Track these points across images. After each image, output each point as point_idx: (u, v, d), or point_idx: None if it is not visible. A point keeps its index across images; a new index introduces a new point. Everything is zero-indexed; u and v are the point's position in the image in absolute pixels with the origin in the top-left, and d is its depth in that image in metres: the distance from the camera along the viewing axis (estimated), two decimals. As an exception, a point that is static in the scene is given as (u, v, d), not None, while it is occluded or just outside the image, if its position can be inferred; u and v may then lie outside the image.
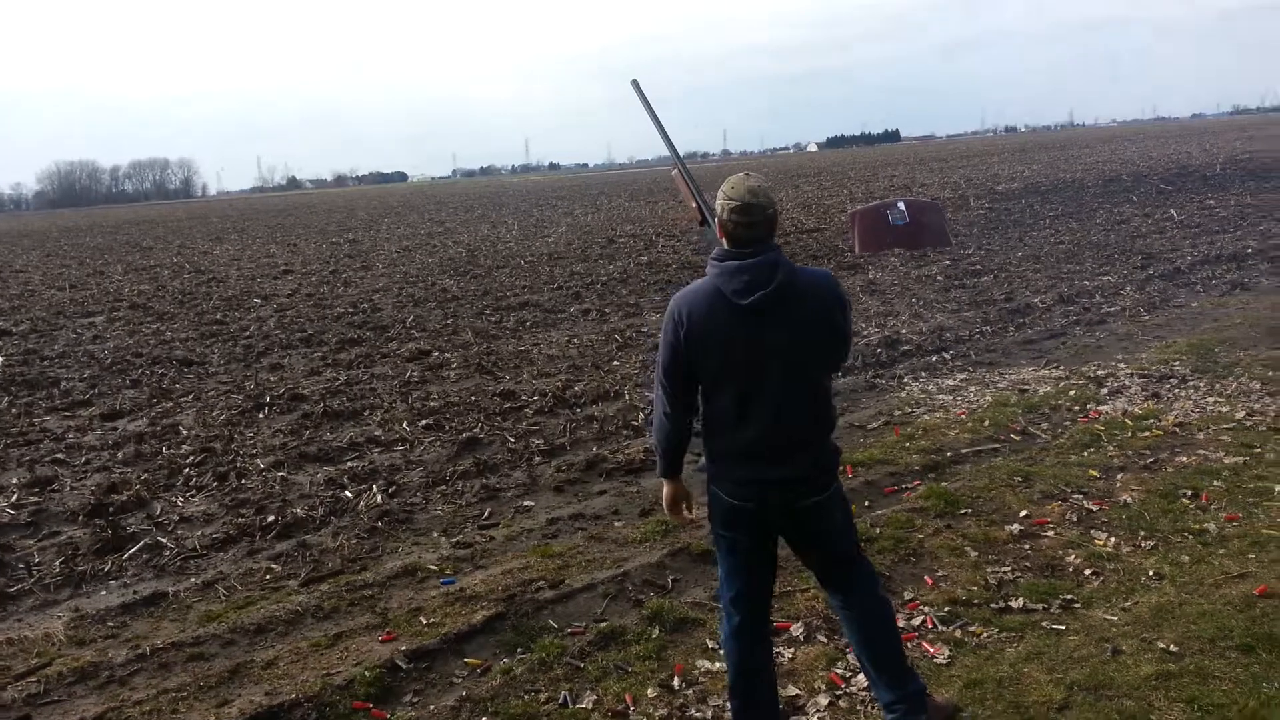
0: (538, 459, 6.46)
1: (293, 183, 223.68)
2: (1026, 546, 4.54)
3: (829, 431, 2.96)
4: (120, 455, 7.08)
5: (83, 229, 52.51)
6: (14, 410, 8.79)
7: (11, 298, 18.46)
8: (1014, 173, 35.65)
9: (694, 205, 3.25)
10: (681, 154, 3.48)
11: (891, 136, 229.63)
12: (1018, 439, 6.06)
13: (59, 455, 7.20)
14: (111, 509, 5.87)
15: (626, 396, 7.84)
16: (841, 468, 5.60)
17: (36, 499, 6.20)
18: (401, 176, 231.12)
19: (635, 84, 3.52)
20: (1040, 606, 3.94)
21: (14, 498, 6.23)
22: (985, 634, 3.77)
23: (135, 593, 4.75)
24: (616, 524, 5.27)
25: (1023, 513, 4.89)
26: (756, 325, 2.78)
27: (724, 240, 2.86)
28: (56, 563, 5.14)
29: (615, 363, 9.21)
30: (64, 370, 10.59)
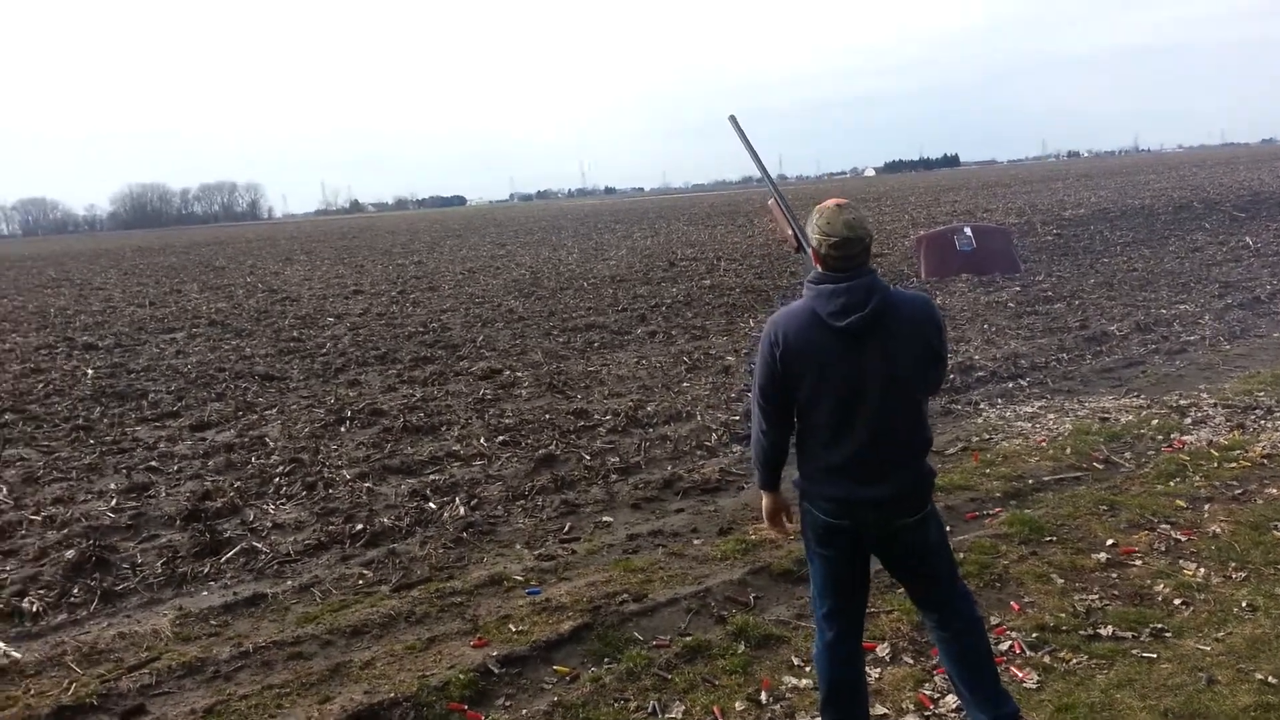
0: (614, 476, 6.56)
1: (355, 206, 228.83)
2: (1114, 575, 4.50)
3: (924, 453, 3.01)
4: (211, 464, 7.35)
5: (156, 249, 54.30)
6: (106, 420, 9.16)
7: (95, 314, 19.19)
8: (1080, 198, 35.10)
9: (790, 233, 3.32)
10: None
11: (951, 161, 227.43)
12: (1100, 467, 6.00)
13: (153, 463, 7.50)
14: (207, 514, 6.11)
15: (699, 417, 7.92)
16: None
17: (135, 504, 6.47)
18: (460, 200, 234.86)
19: (733, 119, 3.62)
20: (1130, 634, 3.92)
21: (113, 502, 6.51)
22: (1074, 660, 3.76)
23: (235, 593, 4.94)
24: (695, 541, 5.34)
25: (1109, 541, 4.86)
26: (852, 347, 2.85)
27: (818, 265, 2.95)
28: (158, 564, 5.36)
29: (685, 384, 9.30)
30: (150, 383, 11.00)
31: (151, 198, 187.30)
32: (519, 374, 10.29)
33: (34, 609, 4.81)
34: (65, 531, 5.90)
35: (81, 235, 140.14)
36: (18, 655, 4.32)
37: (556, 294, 17.46)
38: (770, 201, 3.45)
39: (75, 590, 5.01)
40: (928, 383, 3.03)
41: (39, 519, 6.18)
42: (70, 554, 5.40)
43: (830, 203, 2.99)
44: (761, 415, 3.06)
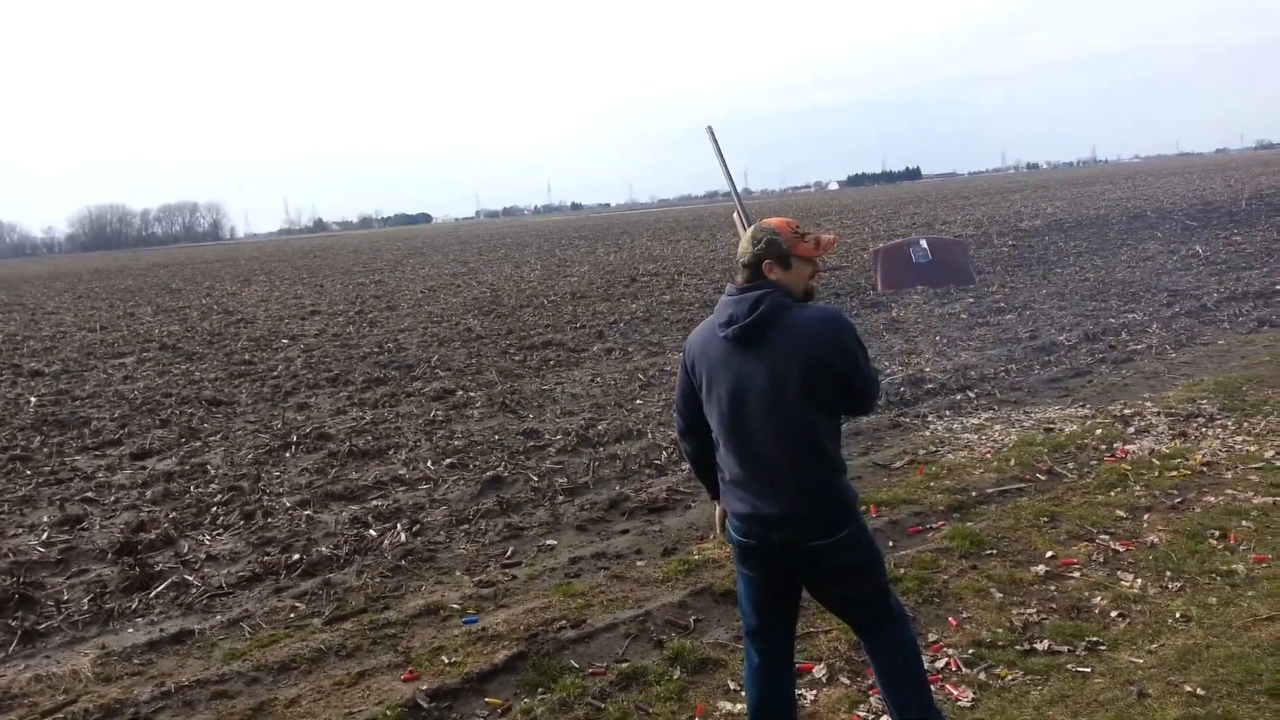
0: (561, 498, 6.48)
1: (319, 224, 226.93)
2: (1052, 588, 4.49)
3: (827, 473, 2.86)
4: (149, 494, 7.18)
5: (113, 271, 53.49)
6: (45, 450, 8.93)
7: (44, 339, 18.81)
8: (1037, 209, 35.60)
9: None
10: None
11: (913, 174, 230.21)
12: (1043, 478, 6.02)
13: (89, 494, 7.31)
14: (140, 547, 5.95)
15: (649, 435, 7.86)
16: (865, 508, 5.61)
17: (67, 537, 6.29)
18: (426, 218, 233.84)
19: (710, 130, 3.56)
20: (1066, 649, 3.90)
21: (45, 535, 6.32)
22: (1010, 676, 3.73)
23: (162, 630, 4.80)
24: (639, 563, 5.27)
25: (1049, 553, 4.85)
26: (734, 357, 2.85)
27: None
28: (85, 600, 5.20)
29: (638, 401, 9.25)
30: (95, 410, 10.76)
31: (111, 219, 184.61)
32: (472, 394, 10.19)
33: (-52, 652, 4.63)
34: (-10, 568, 5.71)
35: (38, 258, 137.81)
36: (-74, 701, 4.16)
37: (516, 311, 17.37)
38: (735, 215, 3.40)
39: (-6, 631, 4.84)
40: (826, 402, 2.84)
41: (-37, 556, 5.98)
42: (-8, 592, 5.22)
43: (777, 221, 2.99)
44: (677, 423, 3.16)
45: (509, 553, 5.59)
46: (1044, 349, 10.05)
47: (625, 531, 5.82)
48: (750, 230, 2.96)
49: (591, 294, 19.38)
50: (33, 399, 11.64)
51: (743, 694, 3.71)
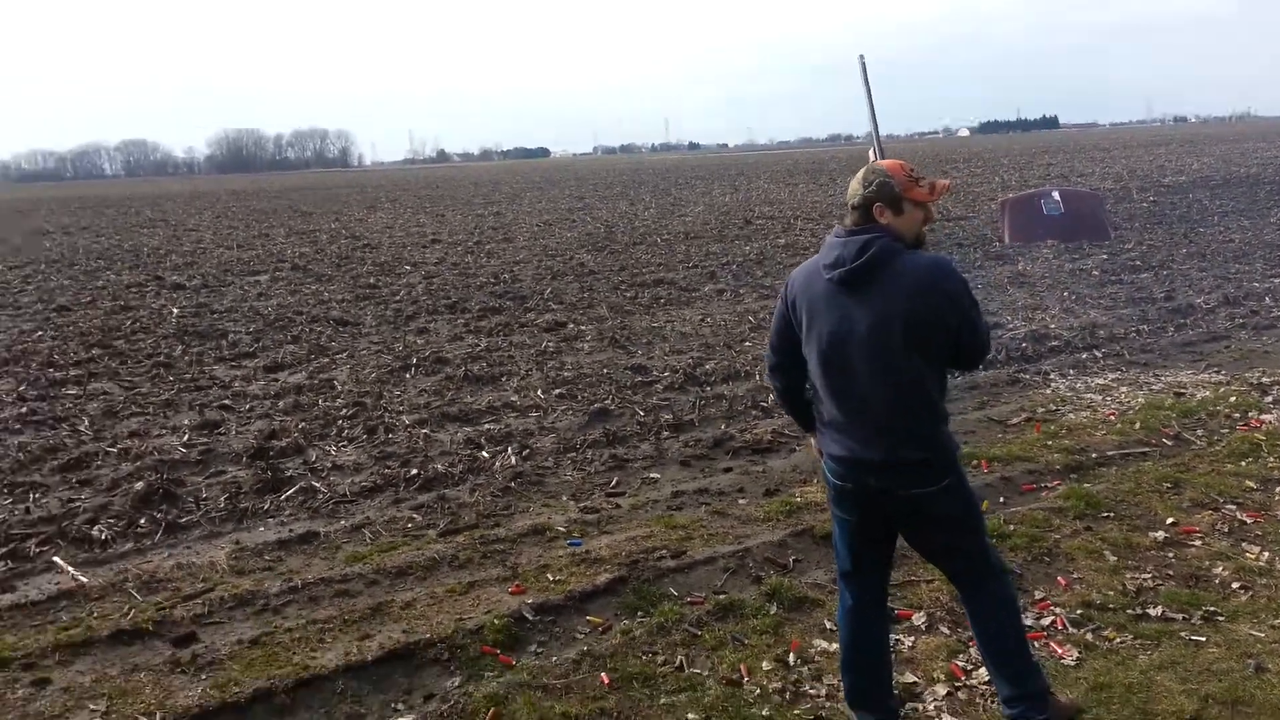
0: (666, 433, 6.57)
1: (442, 155, 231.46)
2: (1170, 554, 4.35)
3: (929, 422, 2.83)
4: (281, 404, 7.60)
5: (249, 193, 55.90)
6: (186, 358, 9.52)
7: (185, 255, 19.89)
8: (1182, 165, 33.48)
9: None
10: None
11: (1050, 123, 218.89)
12: (1170, 444, 5.78)
13: (226, 401, 7.78)
14: (271, 453, 6.33)
15: (757, 377, 7.85)
16: (977, 462, 5.51)
17: (205, 440, 6.73)
18: (544, 152, 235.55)
19: (861, 60, 3.47)
20: (1180, 616, 3.78)
21: (186, 437, 6.78)
22: (1118, 639, 3.65)
23: (290, 530, 5.12)
24: (740, 501, 5.33)
25: (1169, 520, 4.68)
26: (842, 300, 2.80)
27: None
28: (222, 498, 5.59)
29: (747, 343, 9.23)
30: (231, 324, 11.38)
31: (247, 142, 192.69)
32: (583, 327, 10.34)
33: (102, 537, 5.06)
34: (138, 464, 6.18)
35: (180, 178, 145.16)
36: (85, 580, 4.56)
37: (629, 249, 17.44)
38: (870, 152, 3.32)
39: (142, 521, 5.26)
40: (931, 352, 2.79)
41: (115, 451, 6.48)
42: (140, 486, 5.65)
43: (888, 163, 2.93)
44: (769, 359, 3.12)
45: (614, 482, 5.73)
46: (1179, 311, 9.55)
47: (728, 470, 5.87)
48: (861, 172, 2.89)
49: (705, 234, 19.27)
50: (175, 310, 12.39)
51: (837, 634, 3.74)
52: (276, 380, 8.50)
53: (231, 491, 5.69)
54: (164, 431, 7.01)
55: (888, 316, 2.74)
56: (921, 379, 2.80)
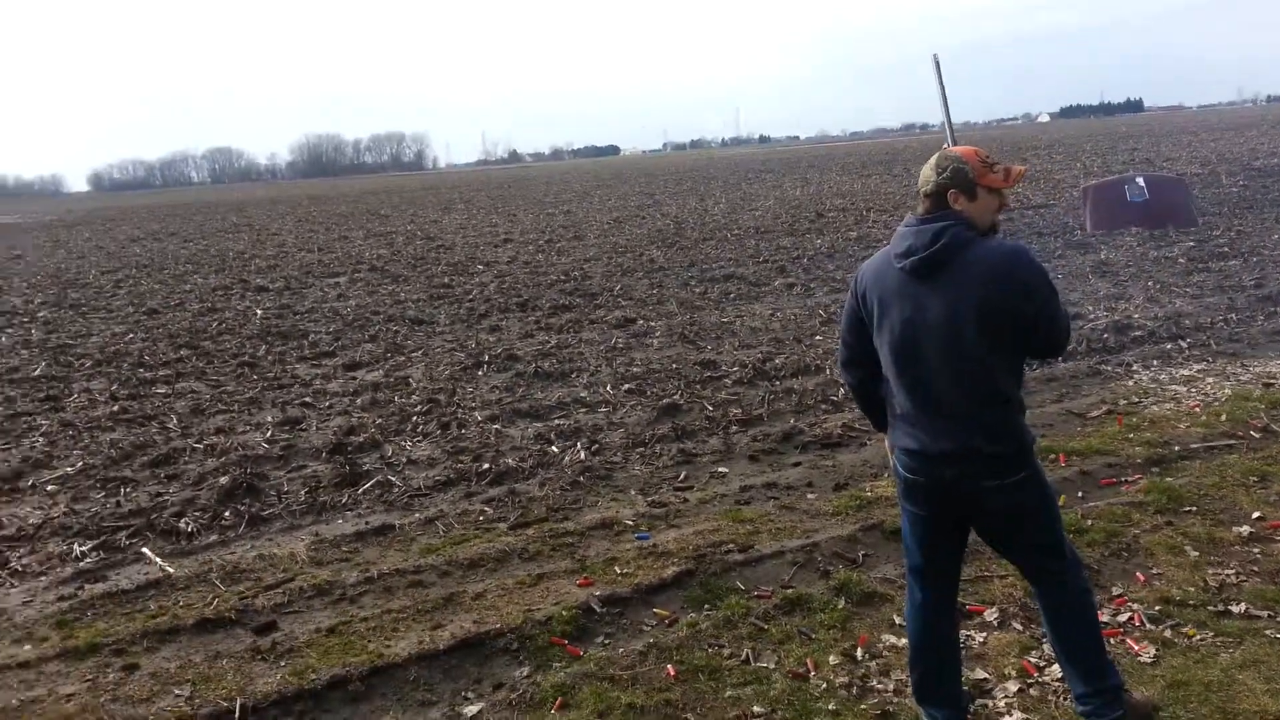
0: (734, 428, 6.56)
1: (514, 156, 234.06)
2: (1256, 550, 4.19)
3: (1004, 413, 2.78)
4: (359, 401, 7.82)
5: (329, 197, 57.37)
6: (270, 357, 9.85)
7: (268, 258, 20.53)
8: (1274, 147, 32.02)
9: None
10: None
11: (1134, 106, 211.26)
12: (1257, 436, 5.56)
13: (307, 399, 8.04)
14: (350, 448, 6.52)
15: (827, 371, 7.79)
16: (1055, 456, 5.38)
17: (287, 436, 6.96)
18: (614, 150, 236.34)
19: (935, 59, 3.49)
20: (1265, 614, 3.65)
21: (269, 434, 7.03)
22: (1198, 636, 3.54)
23: (367, 523, 5.28)
24: (809, 496, 5.30)
25: (1255, 514, 4.52)
26: (914, 290, 2.77)
27: None
28: (302, 492, 5.78)
29: (818, 337, 9.16)
30: (312, 324, 11.74)
31: (327, 148, 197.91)
32: (653, 323, 10.39)
33: (189, 529, 5.28)
34: (223, 459, 6.42)
35: (263, 183, 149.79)
36: (171, 570, 4.77)
37: (698, 244, 17.42)
38: (945, 146, 3.28)
39: (226, 514, 5.47)
40: (1007, 341, 2.74)
41: (201, 447, 6.75)
42: (225, 480, 5.88)
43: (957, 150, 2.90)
44: (841, 353, 3.10)
45: (681, 476, 5.75)
46: (1270, 298, 9.16)
47: (797, 464, 5.84)
48: (934, 158, 2.85)
49: (776, 229, 19.14)
50: (259, 311, 12.82)
51: (906, 629, 3.70)
52: (355, 378, 8.74)
53: (311, 485, 5.88)
54: (248, 428, 7.27)
55: (960, 306, 2.70)
56: (993, 369, 2.75)
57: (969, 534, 3.05)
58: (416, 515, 5.34)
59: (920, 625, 3.09)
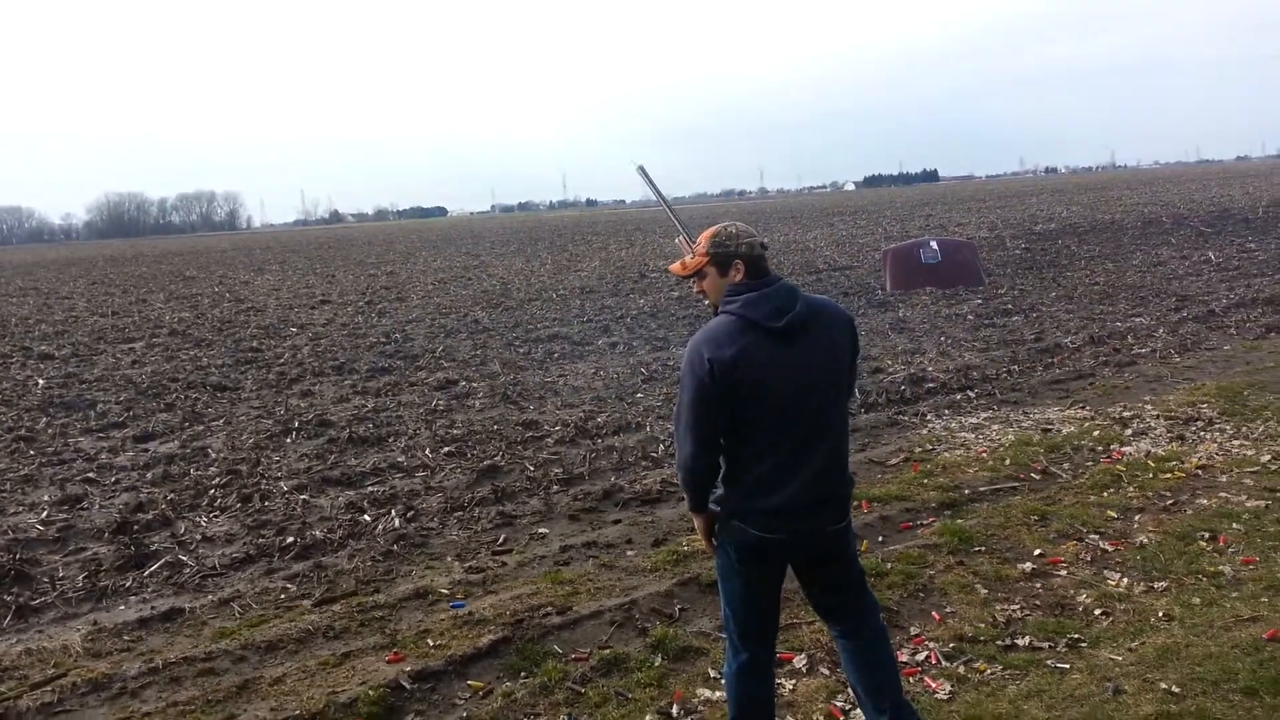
0: (555, 487, 6.51)
1: (335, 216, 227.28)
2: (1038, 585, 4.49)
3: (847, 462, 3.01)
4: (149, 475, 7.24)
5: (129, 258, 53.84)
6: (50, 431, 9.02)
7: (56, 323, 18.97)
8: (1052, 213, 35.43)
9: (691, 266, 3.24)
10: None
11: (930, 176, 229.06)
12: (1038, 478, 6.01)
13: (90, 474, 7.38)
14: (136, 527, 6.01)
15: (648, 428, 7.88)
16: (857, 503, 5.62)
17: (65, 515, 6.36)
18: (441, 211, 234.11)
19: (642, 170, 3.59)
20: (1047, 645, 3.90)
21: (44, 514, 6.40)
22: (989, 670, 3.74)
23: (153, 608, 4.85)
24: (629, 553, 5.30)
25: (1037, 551, 4.85)
26: (788, 349, 2.80)
27: (742, 278, 2.88)
28: (80, 577, 5.26)
29: (639, 395, 9.27)
30: (101, 393, 10.86)
31: (129, 207, 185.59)
32: (475, 384, 10.23)
33: (-58, 624, 4.69)
34: (-12, 544, 5.78)
35: (56, 245, 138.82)
36: (-83, 671, 4.21)
37: (524, 305, 17.40)
38: (678, 240, 3.38)
39: (-11, 605, 4.91)
40: (853, 381, 3.08)
41: (-37, 532, 6.06)
42: (-11, 567, 5.29)
43: (727, 221, 3.03)
44: (694, 441, 2.86)
45: (501, 540, 5.63)
46: (1048, 351, 10.03)
47: (618, 521, 5.84)
48: (734, 228, 2.95)
49: (601, 289, 19.40)
50: (41, 381, 11.76)
51: (722, 681, 3.72)
52: (146, 450, 8.11)
53: (91, 569, 5.36)
54: (20, 509, 6.59)
55: (832, 356, 2.88)
56: (846, 416, 3.02)
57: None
58: (210, 597, 4.96)
59: (747, 690, 3.08)
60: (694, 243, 3.17)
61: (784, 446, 2.84)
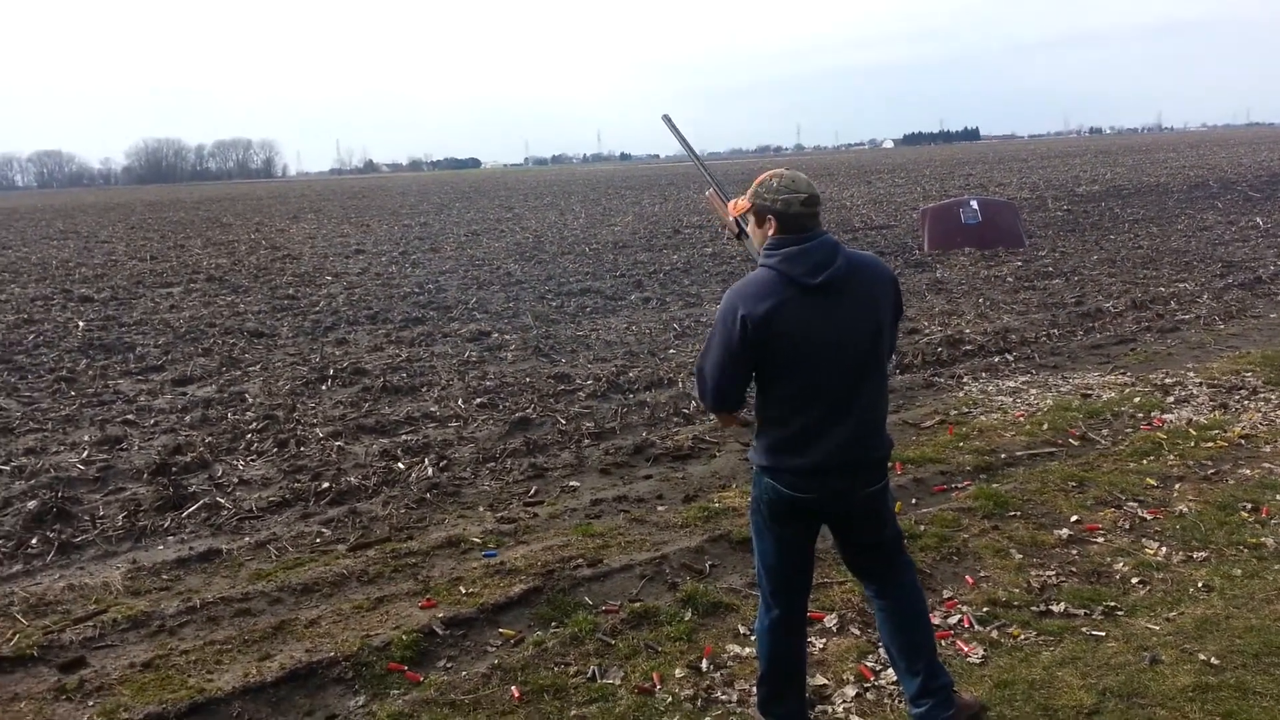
0: (587, 441, 6.51)
1: (369, 166, 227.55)
2: (1074, 552, 4.44)
3: (885, 422, 2.96)
4: (188, 419, 7.34)
5: (166, 204, 54.31)
6: (90, 372, 9.16)
7: (95, 266, 19.20)
8: (1096, 175, 34.67)
9: (731, 220, 3.20)
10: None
11: (971, 135, 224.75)
12: (1076, 444, 5.92)
13: (129, 416, 7.50)
14: (175, 469, 6.10)
15: (680, 384, 7.86)
16: (890, 464, 5.57)
17: (105, 456, 6.47)
18: (475, 163, 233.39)
19: (667, 118, 3.61)
20: (1082, 612, 3.86)
21: (84, 454, 6.51)
22: (1022, 636, 3.71)
23: (191, 549, 4.93)
24: (659, 508, 5.30)
25: (1073, 518, 4.79)
26: (827, 306, 2.75)
27: (774, 233, 2.83)
28: (120, 517, 5.36)
29: (671, 350, 9.24)
30: (140, 337, 11.00)
31: (167, 153, 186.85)
32: (507, 337, 10.24)
33: (-12, 558, 4.81)
34: (32, 482, 5.90)
35: (95, 189, 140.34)
36: (-35, 603, 4.32)
37: (557, 258, 17.36)
38: (709, 192, 3.41)
39: (33, 541, 5.01)
40: (892, 341, 3.00)
41: (8, 469, 6.18)
42: (33, 505, 5.40)
43: (781, 169, 2.92)
44: (715, 388, 2.87)
45: (532, 491, 5.65)
46: (1089, 315, 9.85)
47: (648, 477, 5.84)
48: (805, 180, 2.86)
49: (634, 244, 19.30)
50: (81, 323, 11.92)
51: (752, 637, 3.72)
52: (184, 394, 8.22)
53: (130, 509, 5.46)
54: (62, 448, 6.71)
55: (873, 312, 2.82)
56: (884, 377, 2.94)
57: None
58: (246, 539, 5.03)
59: (776, 645, 3.09)
60: (725, 197, 3.20)
61: (817, 405, 2.80)
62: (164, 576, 4.61)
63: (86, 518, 5.36)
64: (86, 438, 6.90)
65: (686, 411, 7.08)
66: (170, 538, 5.11)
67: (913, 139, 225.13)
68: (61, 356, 9.95)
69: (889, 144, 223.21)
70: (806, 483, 2.85)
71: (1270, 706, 3.11)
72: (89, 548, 5.00)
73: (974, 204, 16.11)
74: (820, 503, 2.90)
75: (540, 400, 7.54)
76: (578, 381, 8.10)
